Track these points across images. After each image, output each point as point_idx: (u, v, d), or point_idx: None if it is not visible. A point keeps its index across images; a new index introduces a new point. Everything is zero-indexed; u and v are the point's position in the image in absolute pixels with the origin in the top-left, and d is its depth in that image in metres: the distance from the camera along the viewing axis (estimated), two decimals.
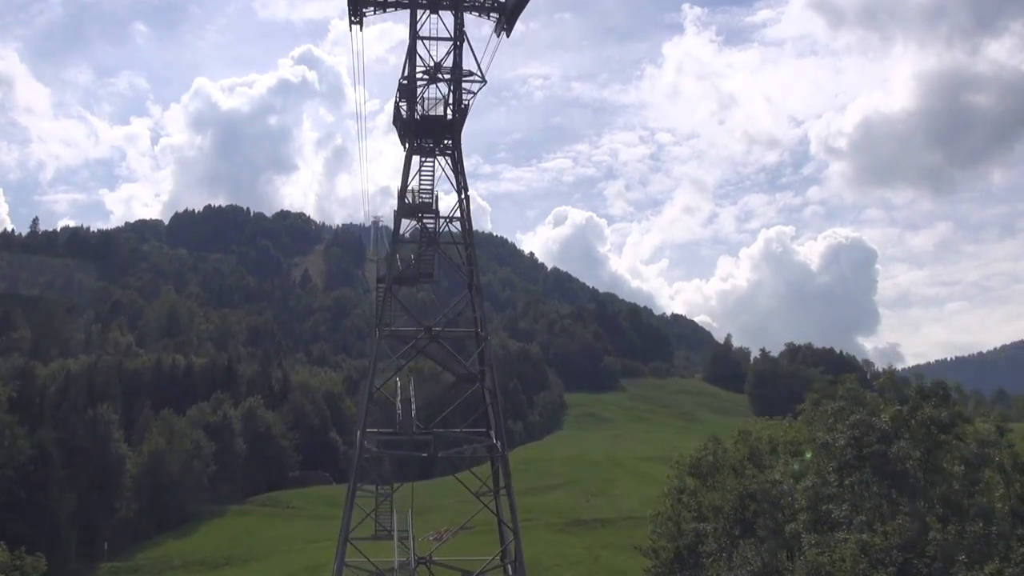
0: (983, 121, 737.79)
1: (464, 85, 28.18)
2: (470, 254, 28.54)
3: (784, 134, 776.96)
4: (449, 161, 29.41)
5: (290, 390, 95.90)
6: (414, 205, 29.22)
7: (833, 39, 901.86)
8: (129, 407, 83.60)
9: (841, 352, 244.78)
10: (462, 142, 29.57)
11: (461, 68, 28.01)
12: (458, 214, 29.32)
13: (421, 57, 28.28)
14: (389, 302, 28.54)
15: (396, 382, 29.67)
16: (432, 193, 29.26)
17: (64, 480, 56.83)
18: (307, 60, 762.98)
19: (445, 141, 29.29)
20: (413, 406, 28.23)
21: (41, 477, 53.86)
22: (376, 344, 28.01)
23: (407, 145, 29.44)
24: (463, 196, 29.19)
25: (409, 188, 29.26)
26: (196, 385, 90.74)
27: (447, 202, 29.70)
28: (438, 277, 31.77)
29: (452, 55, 28.07)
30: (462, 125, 29.10)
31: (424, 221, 29.10)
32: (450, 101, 28.67)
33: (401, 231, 29.86)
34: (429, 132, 29.09)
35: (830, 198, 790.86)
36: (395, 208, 29.42)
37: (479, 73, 27.99)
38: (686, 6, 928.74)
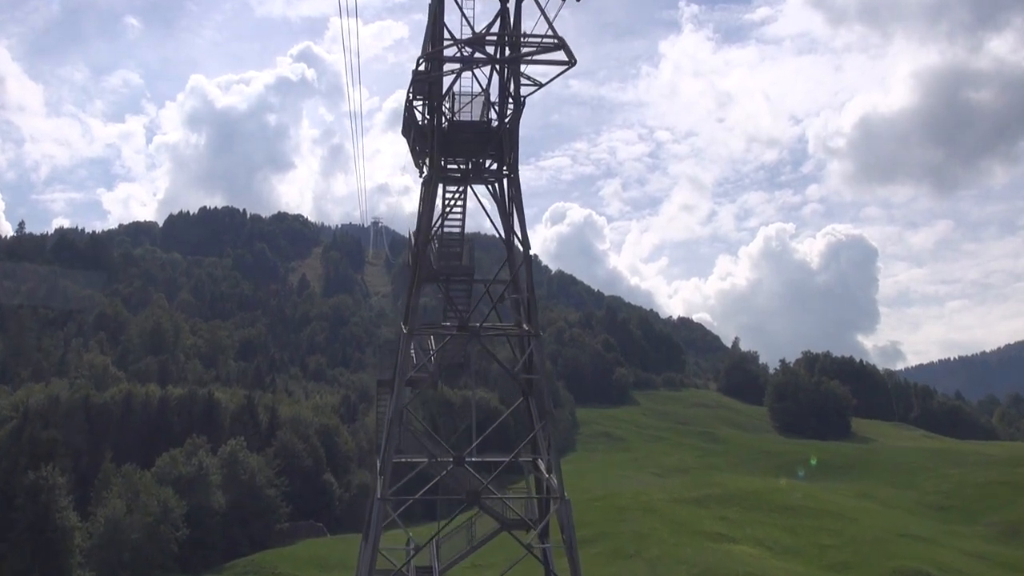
0: (984, 117, 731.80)
1: (524, 70, 17.08)
2: (534, 350, 17.63)
3: (783, 132, 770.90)
4: (494, 192, 18.49)
5: (278, 426, 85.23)
6: (439, 258, 18.34)
7: (832, 37, 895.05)
8: (94, 448, 73.16)
9: (861, 361, 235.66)
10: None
11: (519, 38, 16.89)
12: (513, 281, 18.24)
13: (450, 31, 17.51)
14: (400, 420, 17.62)
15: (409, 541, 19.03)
16: (463, 244, 18.42)
17: None
18: (306, 57, 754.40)
19: (487, 162, 18.40)
20: None
21: None
22: (377, 507, 16.97)
23: (425, 170, 18.49)
24: (516, 250, 18.11)
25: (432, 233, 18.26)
26: (171, 422, 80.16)
27: (487, 252, 18.90)
28: (474, 368, 20.85)
29: (500, 20, 17.19)
30: (517, 134, 18.07)
31: (452, 289, 18.15)
32: (494, 98, 17.82)
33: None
34: (463, 147, 18.18)
35: (829, 196, 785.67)
36: (409, 259, 18.52)
37: (561, 46, 16.49)
38: (683, 3, 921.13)
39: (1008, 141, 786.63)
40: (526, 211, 17.64)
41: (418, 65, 17.60)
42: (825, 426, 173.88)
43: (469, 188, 18.39)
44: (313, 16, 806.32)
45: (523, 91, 17.81)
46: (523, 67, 17.32)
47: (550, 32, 16.49)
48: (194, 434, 73.33)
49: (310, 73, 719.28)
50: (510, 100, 17.75)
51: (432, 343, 19.31)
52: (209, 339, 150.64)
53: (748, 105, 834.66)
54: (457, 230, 18.37)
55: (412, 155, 19.82)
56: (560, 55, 16.64)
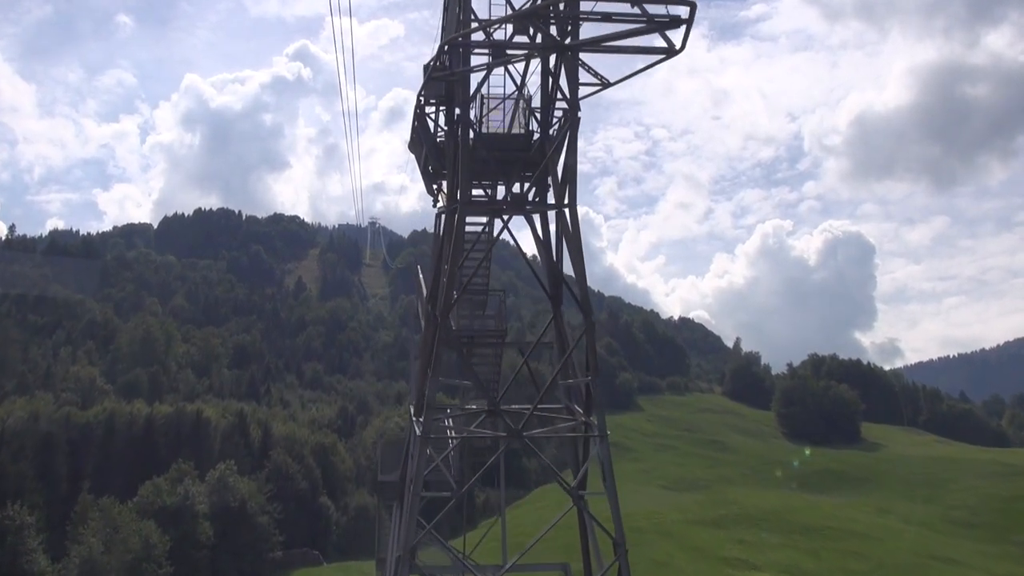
0: (981, 113, 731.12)
1: (586, 60, 11.98)
2: (599, 455, 12.91)
3: (779, 129, 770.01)
4: (534, 227, 13.61)
5: (272, 446, 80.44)
6: (458, 309, 13.62)
7: (828, 33, 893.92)
8: (73, 473, 68.48)
9: (869, 364, 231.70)
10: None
11: (577, 15, 11.62)
12: (565, 362, 13.41)
13: (474, 12, 12.64)
14: (411, 559, 12.98)
15: None
16: (487, 296, 13.65)
17: None
18: (302, 56, 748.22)
19: (526, 189, 13.48)
20: None
21: None
22: None
23: (441, 198, 13.59)
24: (572, 316, 13.36)
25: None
26: (156, 443, 75.40)
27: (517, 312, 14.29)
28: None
29: None
30: (575, 150, 12.90)
31: (474, 358, 13.34)
32: (534, 103, 13.00)
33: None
34: (496, 169, 13.26)
35: (826, 193, 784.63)
36: (419, 319, 13.77)
37: (655, 26, 11.21)
38: None
39: (1005, 137, 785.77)
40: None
41: (435, 59, 12.61)
42: (834, 431, 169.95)
43: (500, 222, 13.47)
44: (308, 16, 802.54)
45: (586, 87, 12.64)
46: (582, 56, 12.31)
47: (627, 5, 11.13)
48: (180, 459, 68.44)
49: (306, 72, 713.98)
50: (562, 102, 12.88)
51: (451, 431, 14.45)
52: (202, 347, 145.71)
53: (744, 103, 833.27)
54: (484, 279, 13.58)
55: (424, 178, 14.74)
56: (655, 39, 10.85)
